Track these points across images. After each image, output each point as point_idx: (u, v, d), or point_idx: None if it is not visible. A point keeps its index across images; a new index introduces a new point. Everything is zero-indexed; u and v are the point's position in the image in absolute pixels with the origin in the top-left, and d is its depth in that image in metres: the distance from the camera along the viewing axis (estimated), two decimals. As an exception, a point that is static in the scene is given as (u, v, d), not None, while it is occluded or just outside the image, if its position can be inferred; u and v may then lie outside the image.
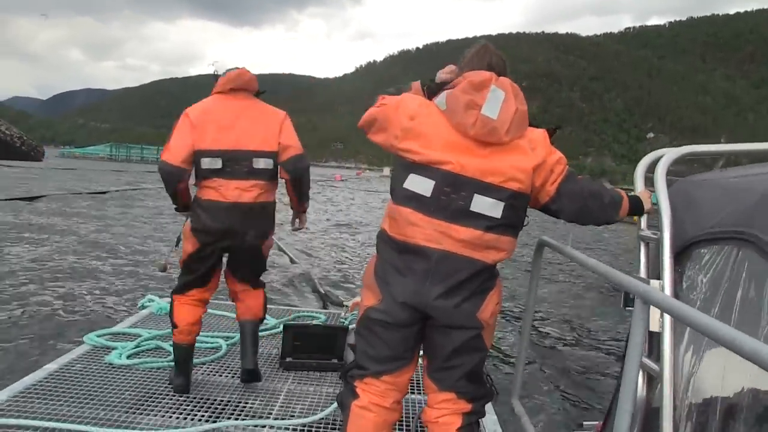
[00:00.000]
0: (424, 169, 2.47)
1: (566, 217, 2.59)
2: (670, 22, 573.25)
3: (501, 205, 2.43)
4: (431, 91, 2.67)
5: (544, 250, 3.13)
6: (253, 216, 4.01)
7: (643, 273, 2.25)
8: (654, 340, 2.06)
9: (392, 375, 2.64)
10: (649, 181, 2.54)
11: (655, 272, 2.16)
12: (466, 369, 2.61)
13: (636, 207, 2.58)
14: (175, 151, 3.91)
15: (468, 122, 2.41)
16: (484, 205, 2.42)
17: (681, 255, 2.12)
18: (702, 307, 1.96)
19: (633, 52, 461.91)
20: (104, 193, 30.30)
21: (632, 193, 2.61)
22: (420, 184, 2.47)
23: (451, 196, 2.43)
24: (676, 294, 2.06)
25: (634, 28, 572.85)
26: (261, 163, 3.98)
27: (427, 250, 2.44)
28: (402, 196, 2.51)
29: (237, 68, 4.14)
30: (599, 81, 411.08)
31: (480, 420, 2.81)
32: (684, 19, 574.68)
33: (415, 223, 2.46)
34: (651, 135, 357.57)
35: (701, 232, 2.05)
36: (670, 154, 2.25)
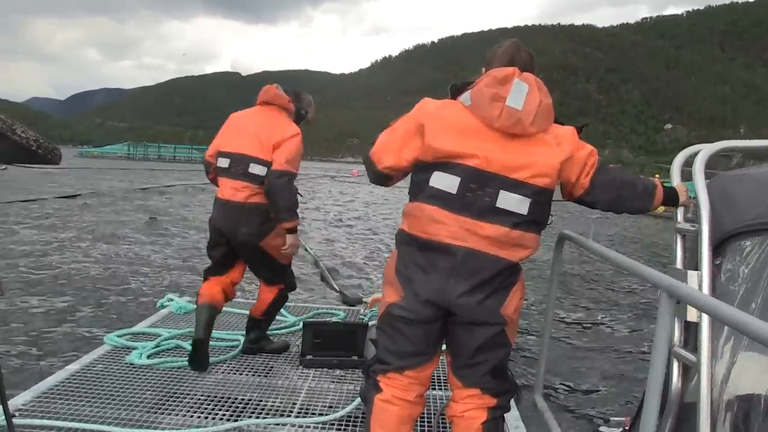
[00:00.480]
0: (448, 166, 2.47)
1: (601, 207, 2.60)
2: (688, 12, 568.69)
3: (527, 201, 2.44)
4: (455, 90, 2.66)
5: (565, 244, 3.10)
6: (243, 214, 4.36)
7: (679, 264, 2.24)
8: (691, 330, 2.03)
9: (415, 370, 2.65)
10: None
11: (692, 264, 2.15)
12: (490, 365, 2.61)
13: (670, 197, 2.57)
14: (210, 147, 4.62)
15: (494, 114, 2.42)
16: (511, 201, 2.43)
17: (719, 247, 2.11)
18: (744, 297, 1.94)
19: (650, 43, 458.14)
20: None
21: (668, 185, 2.59)
22: (445, 181, 2.47)
23: (477, 193, 2.43)
24: (715, 286, 2.05)
25: (650, 18, 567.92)
26: (256, 169, 4.32)
27: (451, 247, 2.44)
28: (426, 195, 2.51)
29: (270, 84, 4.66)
30: (616, 72, 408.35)
31: (504, 414, 2.81)
32: (702, 8, 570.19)
33: (439, 220, 2.46)
34: (669, 126, 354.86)
35: (741, 224, 2.04)
36: (707, 149, 2.24)
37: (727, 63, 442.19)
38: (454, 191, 2.44)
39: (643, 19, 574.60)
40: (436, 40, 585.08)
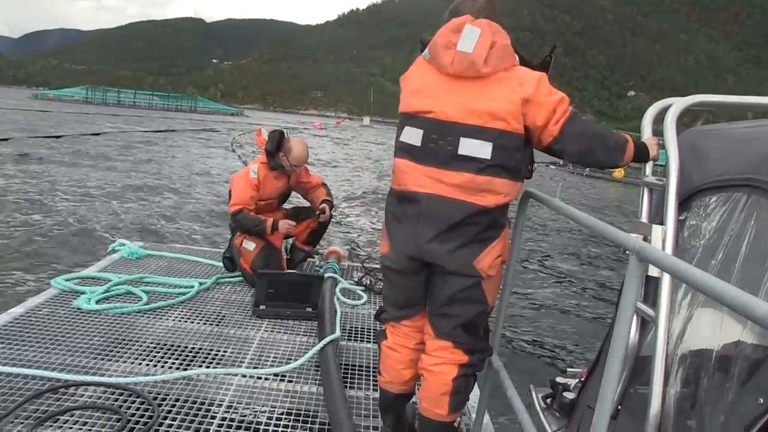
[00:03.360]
0: (413, 119, 2.55)
1: (569, 158, 2.55)
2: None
3: (489, 145, 2.41)
4: (423, 44, 2.67)
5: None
6: None
7: (644, 218, 2.21)
8: (651, 284, 2.01)
9: (411, 320, 2.80)
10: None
11: (657, 218, 2.12)
12: (462, 320, 2.62)
13: (641, 153, 2.51)
14: None
15: (447, 61, 2.47)
16: (472, 147, 2.42)
17: (685, 202, 2.09)
18: (703, 254, 1.94)
19: (618, 9, 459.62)
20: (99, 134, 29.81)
21: (639, 140, 2.53)
22: (411, 135, 2.55)
23: (439, 143, 2.47)
24: (678, 241, 2.04)
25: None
26: None
27: (417, 195, 2.51)
28: (398, 149, 2.63)
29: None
30: (582, 37, 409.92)
31: (476, 373, 2.82)
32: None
33: (407, 171, 2.55)
34: (632, 93, 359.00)
35: (708, 179, 2.01)
36: (679, 103, 2.18)
37: (693, 33, 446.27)
38: (418, 143, 2.52)
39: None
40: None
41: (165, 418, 3.06)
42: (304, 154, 5.46)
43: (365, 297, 5.33)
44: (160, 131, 40.47)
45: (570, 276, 11.52)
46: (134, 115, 63.47)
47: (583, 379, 2.96)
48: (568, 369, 3.63)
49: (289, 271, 5.40)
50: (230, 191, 5.48)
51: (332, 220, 6.07)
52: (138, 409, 3.10)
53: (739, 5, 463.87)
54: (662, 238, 2.01)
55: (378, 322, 3.08)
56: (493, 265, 2.55)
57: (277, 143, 5.34)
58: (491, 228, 2.52)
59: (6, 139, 23.61)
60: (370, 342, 4.40)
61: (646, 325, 2.06)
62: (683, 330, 1.91)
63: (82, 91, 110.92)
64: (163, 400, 3.24)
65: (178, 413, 3.12)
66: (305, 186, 5.81)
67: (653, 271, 1.97)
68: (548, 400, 3.36)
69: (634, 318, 2.04)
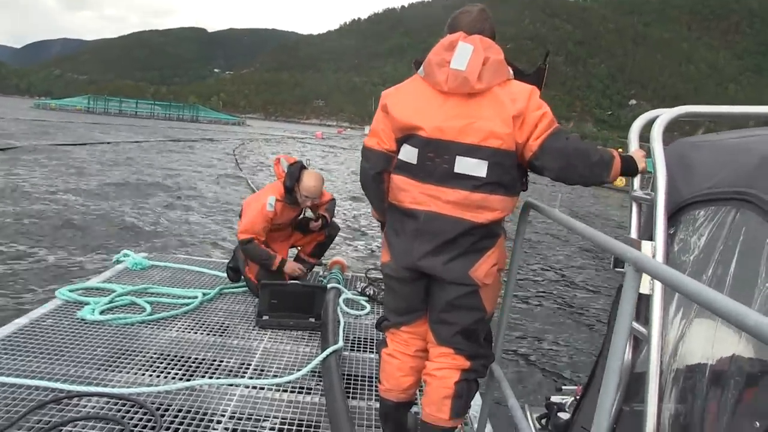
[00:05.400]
0: (409, 138, 2.59)
1: (550, 175, 2.51)
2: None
3: (484, 164, 2.46)
4: (417, 65, 2.72)
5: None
6: None
7: (634, 234, 2.19)
8: (642, 302, 1.99)
9: (411, 326, 2.87)
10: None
11: (646, 234, 2.10)
12: (460, 327, 2.68)
13: (629, 167, 2.49)
14: None
15: (441, 79, 2.51)
16: (468, 165, 2.47)
17: (673, 216, 2.06)
18: (694, 269, 1.92)
19: (619, 18, 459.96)
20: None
21: (626, 153, 2.53)
22: (408, 153, 2.60)
23: (436, 161, 2.53)
24: (668, 256, 2.01)
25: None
26: None
27: (415, 211, 2.57)
28: (397, 166, 2.66)
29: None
30: (584, 46, 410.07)
31: (477, 380, 2.85)
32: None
33: (404, 188, 2.61)
34: (633, 102, 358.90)
35: (697, 193, 1.99)
36: (666, 115, 2.13)
37: (693, 42, 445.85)
38: (414, 161, 2.57)
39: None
40: (406, 5, 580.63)
41: (168, 428, 3.08)
42: (313, 188, 5.40)
43: (368, 307, 5.35)
44: (162, 140, 40.55)
45: (576, 287, 11.50)
46: (136, 125, 63.52)
47: (578, 396, 2.95)
48: (564, 387, 3.62)
49: (292, 281, 5.41)
50: (241, 213, 5.45)
51: (335, 234, 6.06)
52: (141, 419, 3.11)
53: (739, 15, 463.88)
54: (652, 254, 1.99)
55: (380, 332, 3.10)
56: (489, 274, 2.60)
57: (296, 179, 5.36)
58: (486, 238, 2.57)
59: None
60: (373, 352, 4.40)
61: (639, 342, 2.04)
62: (676, 346, 1.89)
63: (83, 101, 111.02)
64: (166, 410, 3.26)
65: (180, 424, 3.14)
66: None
67: (644, 288, 1.95)
68: (543, 421, 3.35)
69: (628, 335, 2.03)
